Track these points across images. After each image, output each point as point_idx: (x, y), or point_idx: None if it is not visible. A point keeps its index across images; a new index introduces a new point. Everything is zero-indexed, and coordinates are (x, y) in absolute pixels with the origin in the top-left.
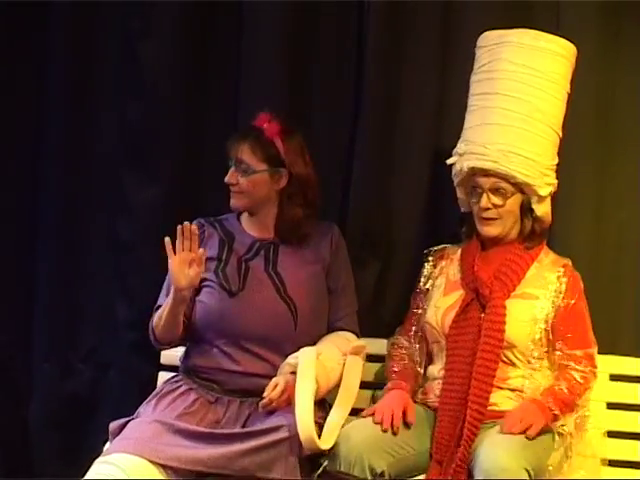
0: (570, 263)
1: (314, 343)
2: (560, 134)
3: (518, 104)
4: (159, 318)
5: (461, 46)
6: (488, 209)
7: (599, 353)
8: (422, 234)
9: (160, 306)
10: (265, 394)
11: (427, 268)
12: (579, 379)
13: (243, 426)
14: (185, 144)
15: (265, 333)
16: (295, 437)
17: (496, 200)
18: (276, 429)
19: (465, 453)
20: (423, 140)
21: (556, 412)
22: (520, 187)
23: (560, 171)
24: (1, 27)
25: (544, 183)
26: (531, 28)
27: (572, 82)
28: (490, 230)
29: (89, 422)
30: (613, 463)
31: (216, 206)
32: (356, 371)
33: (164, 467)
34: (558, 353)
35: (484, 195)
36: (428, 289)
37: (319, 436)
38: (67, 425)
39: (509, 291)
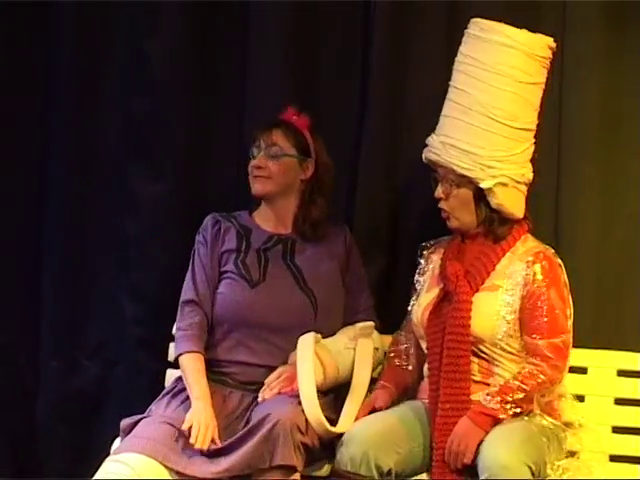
0: (548, 251)
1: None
2: (519, 125)
3: (459, 95)
4: (182, 372)
5: None
6: (440, 200)
7: (606, 348)
8: (427, 231)
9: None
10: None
11: (421, 262)
12: (536, 376)
13: (247, 420)
14: (191, 141)
15: (286, 323)
16: (286, 420)
17: (446, 190)
18: (263, 420)
19: (440, 451)
20: (429, 134)
21: (500, 416)
22: (466, 179)
23: (565, 169)
24: (6, 26)
25: (487, 175)
26: (536, 29)
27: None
28: (450, 223)
29: (97, 419)
30: (620, 459)
31: (222, 202)
32: (367, 354)
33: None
34: (522, 342)
35: (438, 186)
36: (420, 284)
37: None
38: (75, 422)
39: (477, 284)
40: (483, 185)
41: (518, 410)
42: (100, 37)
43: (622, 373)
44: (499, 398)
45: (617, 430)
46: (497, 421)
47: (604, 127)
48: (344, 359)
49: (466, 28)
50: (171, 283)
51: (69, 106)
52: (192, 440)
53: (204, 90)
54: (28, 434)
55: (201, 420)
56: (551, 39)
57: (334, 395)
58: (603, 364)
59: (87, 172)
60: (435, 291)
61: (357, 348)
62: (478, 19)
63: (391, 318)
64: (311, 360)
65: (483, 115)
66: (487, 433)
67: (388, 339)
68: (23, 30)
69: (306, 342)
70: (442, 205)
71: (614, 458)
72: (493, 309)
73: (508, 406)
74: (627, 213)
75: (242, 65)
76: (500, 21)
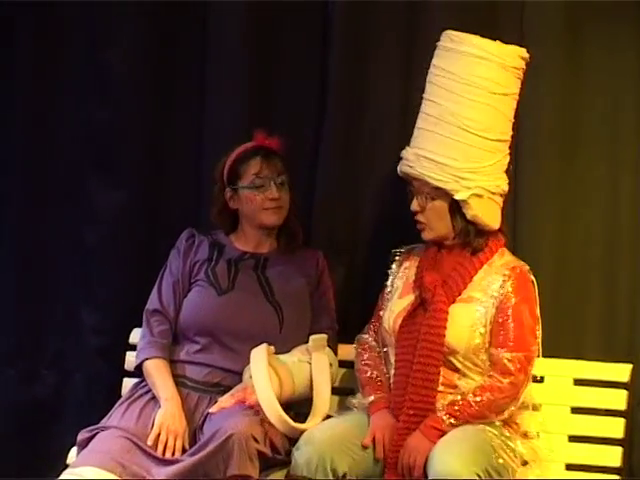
0: (523, 267)
1: None
2: (492, 137)
3: (432, 107)
4: (147, 377)
5: (425, 48)
6: (416, 213)
7: (564, 357)
8: (387, 239)
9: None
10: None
11: (393, 268)
12: (495, 390)
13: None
14: (149, 150)
15: (250, 332)
16: (241, 432)
17: (421, 203)
18: (214, 434)
19: (395, 454)
20: (387, 144)
21: (447, 430)
22: (441, 191)
23: (525, 175)
24: None
25: (461, 187)
26: (495, 30)
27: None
28: (424, 235)
29: (54, 428)
30: (577, 468)
31: (182, 213)
32: (324, 367)
33: None
34: (488, 354)
35: (414, 199)
36: (391, 289)
37: None
38: (32, 431)
39: (454, 296)
40: (458, 197)
41: (468, 424)
42: (58, 47)
43: (579, 382)
44: (453, 413)
45: (574, 439)
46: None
47: (562, 134)
48: (299, 372)
49: (425, 29)
50: (129, 293)
51: (27, 116)
52: (159, 452)
53: (163, 100)
54: None
55: (170, 427)
56: (524, 50)
57: (295, 413)
58: (560, 373)
59: (46, 182)
60: (409, 298)
61: (313, 362)
62: (450, 31)
63: (349, 327)
64: (265, 367)
65: (454, 126)
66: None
67: (346, 348)
68: None
69: (259, 352)
70: (418, 217)
71: (570, 467)
72: (468, 321)
73: (455, 421)
74: (586, 222)
75: (201, 75)
76: (462, 27)
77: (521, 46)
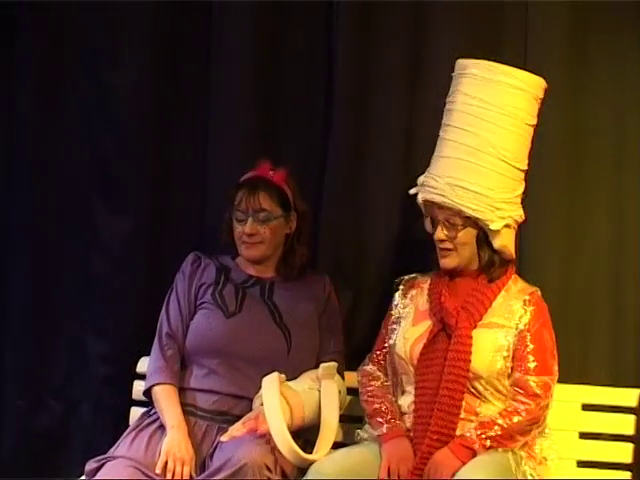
0: (538, 292)
1: None
2: (521, 167)
3: (468, 137)
4: (156, 402)
5: (430, 71)
6: (443, 240)
7: (570, 383)
8: (394, 265)
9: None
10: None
11: (397, 296)
12: (521, 413)
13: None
14: (155, 175)
15: (258, 355)
16: (254, 461)
17: (449, 232)
18: (226, 463)
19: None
20: (393, 170)
21: (479, 449)
22: (472, 220)
23: (527, 199)
24: None
25: (496, 217)
26: (499, 54)
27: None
28: (447, 262)
29: (62, 457)
30: None
31: (188, 238)
32: (332, 395)
33: None
34: (512, 379)
35: (438, 227)
36: (398, 318)
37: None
38: (40, 461)
39: (475, 321)
40: (493, 227)
41: (497, 446)
42: (62, 70)
43: (587, 407)
44: (481, 433)
45: (582, 464)
46: (475, 454)
47: (570, 157)
48: (309, 400)
49: (429, 52)
50: (136, 321)
51: (32, 141)
52: (168, 479)
53: (168, 124)
54: None
55: (177, 454)
56: (543, 81)
57: (303, 440)
58: (568, 398)
59: (50, 207)
60: (424, 325)
61: (322, 390)
62: (482, 61)
63: (356, 352)
64: (277, 396)
65: (493, 157)
66: (464, 464)
67: (353, 375)
68: None
69: (271, 381)
70: (445, 245)
71: None
72: (491, 346)
73: (488, 442)
74: (592, 245)
75: (206, 98)
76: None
77: (524, 47)
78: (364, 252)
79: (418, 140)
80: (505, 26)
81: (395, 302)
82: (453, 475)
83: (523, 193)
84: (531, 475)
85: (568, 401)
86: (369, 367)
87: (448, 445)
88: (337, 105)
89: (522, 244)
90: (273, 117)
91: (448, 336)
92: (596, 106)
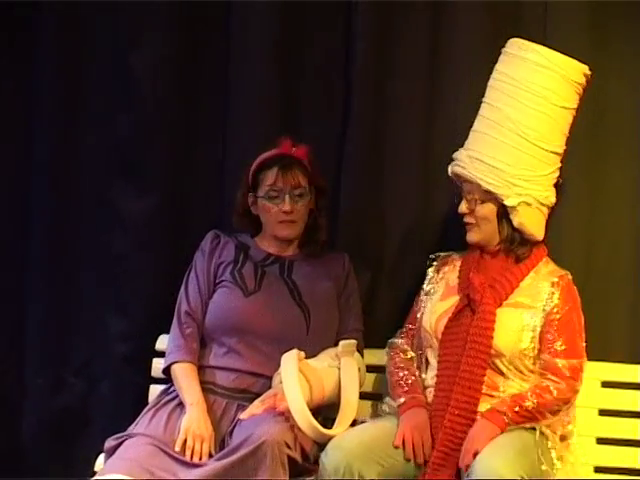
0: (569, 275)
1: None
2: (547, 147)
3: (493, 112)
4: (175, 380)
5: (449, 61)
6: (465, 214)
7: (590, 360)
8: (413, 244)
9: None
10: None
11: (430, 272)
12: (552, 391)
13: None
14: (175, 156)
15: (278, 333)
16: (273, 438)
17: (470, 206)
18: (246, 440)
19: (441, 456)
20: (412, 151)
21: (510, 424)
22: (491, 195)
23: None
24: None
25: (513, 193)
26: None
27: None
28: (471, 236)
29: (82, 435)
30: (605, 470)
31: (207, 217)
32: (352, 372)
33: None
34: (541, 361)
35: (463, 200)
36: (428, 293)
37: None
38: (60, 439)
39: (501, 299)
40: (507, 202)
41: (528, 420)
42: (83, 52)
43: (606, 384)
44: (513, 405)
45: (601, 441)
46: (507, 425)
47: (590, 138)
48: (328, 377)
49: (449, 39)
50: (155, 299)
51: (52, 123)
52: (187, 457)
53: (188, 105)
54: (14, 451)
55: (196, 432)
56: (587, 67)
57: (323, 417)
58: (588, 375)
59: (71, 188)
60: (452, 300)
61: (342, 367)
62: (517, 39)
63: (376, 331)
64: (296, 373)
65: (512, 132)
66: (502, 431)
67: (372, 352)
68: (4, 46)
69: (290, 357)
70: (467, 219)
71: (599, 469)
72: (516, 326)
73: (518, 412)
74: (612, 227)
75: (226, 79)
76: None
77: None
78: (383, 232)
79: (438, 122)
80: (524, 24)
81: (428, 277)
82: (490, 440)
83: (559, 178)
84: (555, 454)
85: (588, 378)
86: (398, 340)
87: (482, 415)
88: (356, 90)
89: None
90: (294, 99)
91: (473, 312)
92: (619, 89)
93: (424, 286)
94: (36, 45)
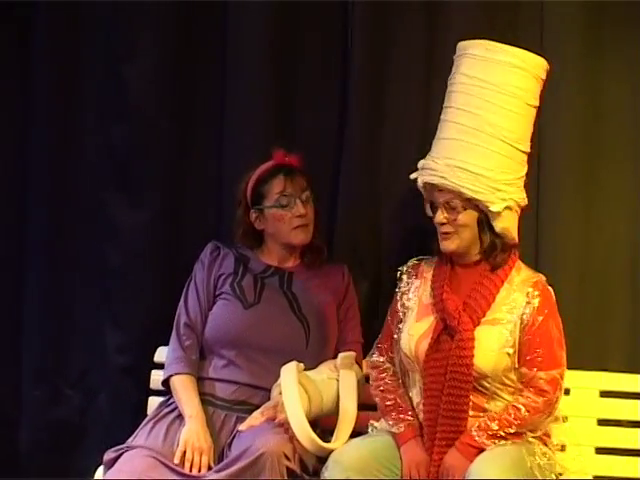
0: (542, 279)
1: None
2: (523, 149)
3: (467, 117)
4: (174, 392)
5: (445, 62)
6: (443, 224)
7: (589, 369)
8: (410, 252)
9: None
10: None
11: (401, 287)
12: (526, 412)
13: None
14: (171, 166)
15: (277, 346)
16: (273, 450)
17: (449, 215)
18: (245, 451)
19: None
20: (409, 157)
21: (486, 447)
22: (473, 202)
23: (545, 185)
24: None
25: (497, 198)
26: (515, 44)
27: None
28: (447, 245)
29: (79, 448)
30: (604, 479)
31: (204, 228)
32: (351, 384)
33: None
34: (519, 374)
35: (438, 210)
36: (402, 309)
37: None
38: (57, 451)
39: (478, 318)
40: (493, 208)
41: (505, 441)
42: (78, 61)
43: (605, 394)
44: (489, 432)
45: (600, 451)
46: (483, 450)
47: (586, 144)
48: (327, 389)
49: (444, 42)
50: (152, 311)
51: (46, 134)
52: (186, 470)
53: (182, 116)
54: (11, 463)
55: (195, 444)
56: (545, 61)
57: (321, 429)
58: (586, 385)
59: (66, 201)
60: (428, 321)
61: (340, 379)
62: (483, 41)
63: (373, 340)
64: (295, 385)
65: (492, 136)
66: (471, 462)
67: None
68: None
69: (289, 369)
70: (445, 228)
71: (598, 479)
72: (495, 344)
73: (496, 441)
74: (609, 233)
75: (221, 89)
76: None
77: (541, 49)
78: (381, 240)
79: (435, 125)
80: (520, 25)
81: (398, 292)
82: (464, 475)
83: (526, 176)
84: (548, 464)
85: (586, 388)
86: (377, 359)
87: (455, 446)
88: (353, 91)
89: (540, 228)
90: (289, 105)
91: (451, 336)
92: (613, 90)
93: (396, 301)
94: (32, 52)
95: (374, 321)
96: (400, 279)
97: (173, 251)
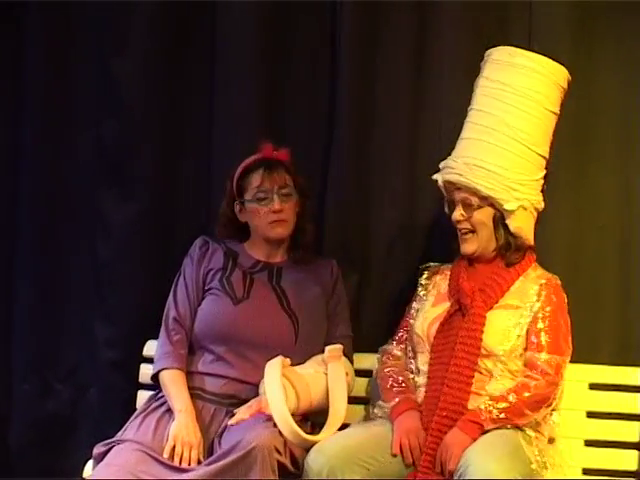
0: (557, 280)
1: None
2: (539, 151)
3: (485, 118)
4: (163, 387)
5: (434, 62)
6: (460, 221)
7: (578, 362)
8: (400, 248)
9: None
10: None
11: (422, 281)
12: (530, 388)
13: (220, 437)
14: (161, 161)
15: (266, 341)
16: (263, 443)
17: (466, 212)
18: (236, 446)
19: (429, 459)
20: (399, 156)
21: (488, 427)
22: (489, 200)
23: None
24: None
25: (512, 197)
26: (504, 42)
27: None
28: (466, 247)
29: (70, 442)
30: (593, 472)
31: (193, 223)
32: (340, 377)
33: None
34: (524, 358)
35: (457, 208)
36: (421, 300)
37: None
38: (48, 445)
39: (491, 302)
40: (507, 207)
41: (507, 421)
42: (68, 57)
43: (594, 386)
44: (490, 408)
45: (590, 443)
46: (485, 430)
47: (576, 140)
48: (316, 383)
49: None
50: (142, 305)
51: (37, 130)
52: (176, 463)
53: (173, 111)
54: (1, 458)
55: (185, 438)
56: (566, 70)
57: (311, 423)
58: (575, 377)
59: (57, 196)
60: (443, 306)
61: (329, 372)
62: (504, 46)
63: (362, 335)
64: (278, 380)
65: (508, 137)
66: (474, 440)
67: (361, 357)
68: None
69: (273, 365)
70: (464, 225)
71: (587, 471)
72: (506, 326)
73: (496, 415)
74: (599, 228)
75: (211, 87)
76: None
77: (529, 47)
78: (370, 236)
79: (423, 124)
80: (509, 23)
81: (420, 287)
82: (463, 451)
83: (544, 184)
84: (540, 455)
85: (575, 380)
86: (390, 347)
87: (457, 424)
88: (342, 91)
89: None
90: (278, 101)
91: (463, 315)
92: (605, 91)
93: (416, 294)
94: (23, 48)
95: (363, 315)
96: (422, 274)
97: (163, 246)
